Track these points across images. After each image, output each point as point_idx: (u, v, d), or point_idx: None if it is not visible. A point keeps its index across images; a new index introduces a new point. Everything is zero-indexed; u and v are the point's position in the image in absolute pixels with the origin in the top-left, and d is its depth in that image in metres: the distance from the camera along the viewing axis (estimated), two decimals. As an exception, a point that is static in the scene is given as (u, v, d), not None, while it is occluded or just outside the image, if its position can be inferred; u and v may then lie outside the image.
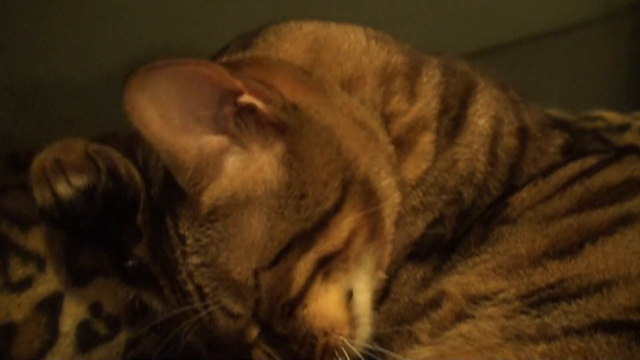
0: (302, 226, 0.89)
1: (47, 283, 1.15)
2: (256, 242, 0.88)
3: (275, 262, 0.88)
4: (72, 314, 1.16)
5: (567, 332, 0.80)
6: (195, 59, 0.86)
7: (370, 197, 0.93)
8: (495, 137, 1.04)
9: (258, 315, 0.91)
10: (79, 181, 0.91)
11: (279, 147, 0.90)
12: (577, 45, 2.09)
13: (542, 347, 0.80)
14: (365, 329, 0.95)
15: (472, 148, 1.03)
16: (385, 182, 0.96)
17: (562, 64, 2.05)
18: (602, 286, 0.83)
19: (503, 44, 1.97)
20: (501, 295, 0.88)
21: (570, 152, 1.07)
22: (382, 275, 0.98)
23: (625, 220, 0.89)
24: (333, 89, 1.00)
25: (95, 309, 1.17)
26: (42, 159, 0.97)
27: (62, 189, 0.92)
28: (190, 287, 0.91)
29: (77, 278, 1.16)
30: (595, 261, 0.86)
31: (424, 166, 1.02)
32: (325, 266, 0.91)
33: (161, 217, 0.93)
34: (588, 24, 2.11)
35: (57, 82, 1.41)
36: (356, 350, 0.92)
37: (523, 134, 1.07)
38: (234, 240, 0.89)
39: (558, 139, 1.08)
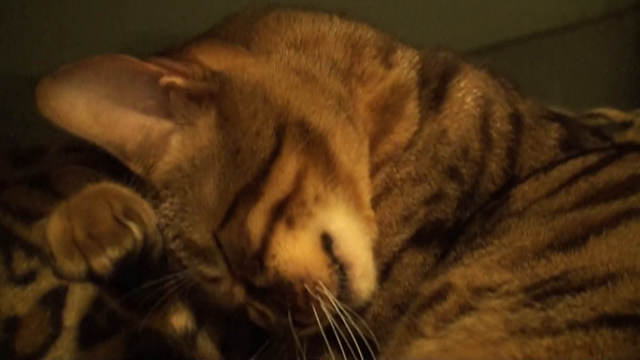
0: (244, 180, 0.93)
1: (51, 277, 1.15)
2: (208, 206, 0.94)
3: (226, 220, 0.93)
4: (76, 308, 1.16)
5: (571, 325, 0.80)
6: (109, 54, 0.94)
7: (310, 137, 0.97)
8: (485, 118, 1.07)
9: (235, 274, 0.96)
10: (116, 253, 0.88)
11: (212, 114, 0.97)
12: (580, 43, 2.09)
13: (547, 341, 0.79)
14: (360, 275, 0.96)
15: (459, 123, 1.05)
16: (328, 120, 0.99)
17: (565, 61, 2.05)
18: (606, 279, 0.82)
19: (506, 41, 1.97)
20: (505, 287, 0.87)
21: (570, 148, 1.08)
22: (369, 213, 1.00)
23: (629, 214, 0.89)
24: (276, 47, 1.05)
25: (99, 303, 1.17)
26: (67, 228, 0.90)
27: (99, 265, 0.88)
28: (172, 260, 0.97)
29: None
30: (600, 254, 0.86)
31: (412, 129, 1.06)
32: (284, 213, 0.94)
33: None
34: (591, 22, 2.11)
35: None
36: (331, 297, 0.93)
37: (516, 120, 1.08)
38: (191, 208, 0.95)
39: (555, 132, 1.10)
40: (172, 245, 0.97)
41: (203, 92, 0.97)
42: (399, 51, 1.11)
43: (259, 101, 0.97)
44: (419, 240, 1.01)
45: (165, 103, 0.96)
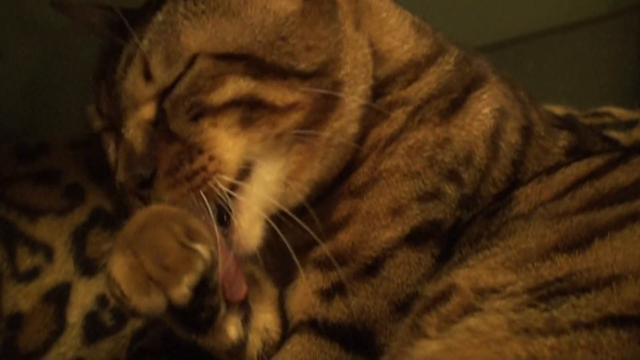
0: (271, 55, 0.96)
1: (55, 273, 1.15)
2: (228, 29, 0.96)
3: (224, 57, 0.95)
4: (80, 304, 1.16)
5: (576, 326, 0.80)
6: None
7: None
8: (497, 129, 1.07)
9: (164, 99, 0.95)
10: (192, 279, 0.87)
11: None
12: (585, 42, 2.09)
13: (551, 341, 0.80)
14: (257, 196, 0.96)
15: (468, 131, 1.06)
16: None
17: (570, 60, 2.05)
18: (611, 280, 0.82)
19: (511, 39, 1.97)
20: (509, 289, 0.87)
21: (575, 154, 1.08)
22: (296, 190, 0.99)
23: (634, 217, 0.89)
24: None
25: (103, 300, 1.17)
26: (134, 264, 0.87)
27: (179, 295, 0.86)
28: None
29: (85, 269, 1.17)
30: (604, 255, 0.86)
31: (395, 127, 1.06)
32: (251, 112, 0.95)
33: None
34: (596, 21, 2.10)
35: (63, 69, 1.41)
36: (222, 192, 0.93)
37: (527, 132, 1.09)
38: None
39: (563, 141, 1.11)
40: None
41: None
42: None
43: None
44: (414, 239, 1.01)
45: None
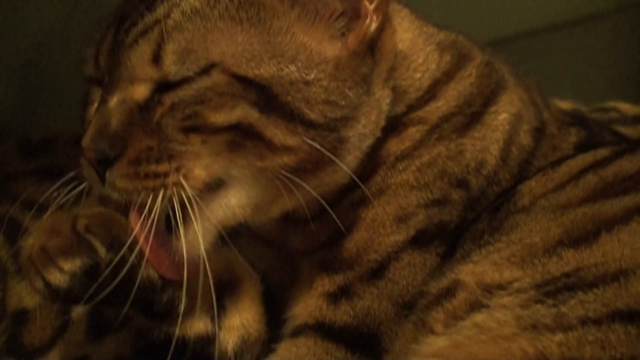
0: (287, 95, 0.89)
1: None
2: (257, 50, 0.89)
3: (242, 80, 0.88)
4: (84, 301, 1.16)
5: (584, 321, 0.79)
6: None
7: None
8: (511, 135, 1.05)
9: (162, 91, 0.89)
10: (71, 266, 0.89)
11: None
12: (591, 37, 2.08)
13: (558, 337, 0.79)
14: (214, 214, 0.92)
15: (484, 141, 1.04)
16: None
17: (576, 55, 2.05)
18: (618, 275, 0.82)
19: (517, 34, 1.96)
20: (516, 285, 0.87)
21: (584, 149, 1.07)
22: (261, 216, 0.97)
23: (641, 209, 0.89)
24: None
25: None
26: (30, 246, 0.92)
27: (54, 277, 0.89)
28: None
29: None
30: (612, 250, 0.85)
31: (408, 144, 1.02)
32: (244, 139, 0.89)
33: None
34: (602, 16, 2.10)
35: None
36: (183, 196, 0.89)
37: (539, 133, 1.08)
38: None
39: (573, 137, 1.10)
40: None
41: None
42: (462, 70, 1.08)
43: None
44: (419, 241, 1.00)
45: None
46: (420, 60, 1.05)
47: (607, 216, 0.90)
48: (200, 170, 0.89)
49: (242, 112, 0.88)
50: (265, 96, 0.88)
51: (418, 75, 1.04)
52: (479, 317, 0.86)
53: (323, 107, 0.90)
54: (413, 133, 1.03)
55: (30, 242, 0.93)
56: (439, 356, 0.85)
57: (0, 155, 1.31)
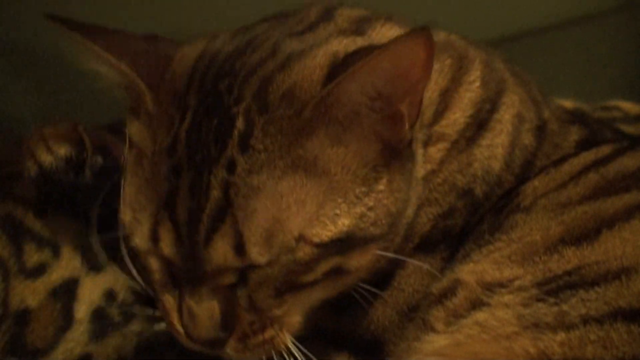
0: (361, 230, 0.89)
1: (62, 269, 1.15)
2: (328, 206, 0.86)
3: (323, 245, 0.87)
4: (87, 300, 1.16)
5: (585, 320, 0.79)
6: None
7: None
8: (514, 137, 1.04)
9: (249, 270, 0.88)
10: (61, 150, 0.95)
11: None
12: (593, 35, 2.08)
13: (560, 336, 0.79)
14: None
15: (490, 148, 1.02)
16: None
17: (578, 53, 2.04)
18: (620, 273, 0.82)
19: (519, 33, 1.96)
20: (517, 283, 0.87)
21: (586, 147, 1.06)
22: None
23: (643, 206, 0.89)
24: None
25: (110, 295, 1.17)
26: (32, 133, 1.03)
27: (44, 156, 0.97)
28: None
29: (91, 264, 1.16)
30: (613, 248, 0.85)
31: (428, 167, 1.00)
32: (328, 277, 0.90)
33: None
34: (605, 14, 2.10)
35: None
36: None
37: (540, 131, 1.07)
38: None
39: (574, 135, 1.08)
40: None
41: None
42: (464, 82, 1.04)
43: None
44: (423, 247, 0.99)
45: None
46: None
47: (608, 214, 0.90)
48: (297, 317, 0.93)
49: (326, 264, 0.88)
50: (344, 242, 0.88)
51: (428, 93, 0.98)
52: (480, 316, 0.86)
53: (386, 220, 0.90)
54: (433, 154, 1.00)
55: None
56: (440, 355, 0.85)
57: (3, 154, 1.31)
